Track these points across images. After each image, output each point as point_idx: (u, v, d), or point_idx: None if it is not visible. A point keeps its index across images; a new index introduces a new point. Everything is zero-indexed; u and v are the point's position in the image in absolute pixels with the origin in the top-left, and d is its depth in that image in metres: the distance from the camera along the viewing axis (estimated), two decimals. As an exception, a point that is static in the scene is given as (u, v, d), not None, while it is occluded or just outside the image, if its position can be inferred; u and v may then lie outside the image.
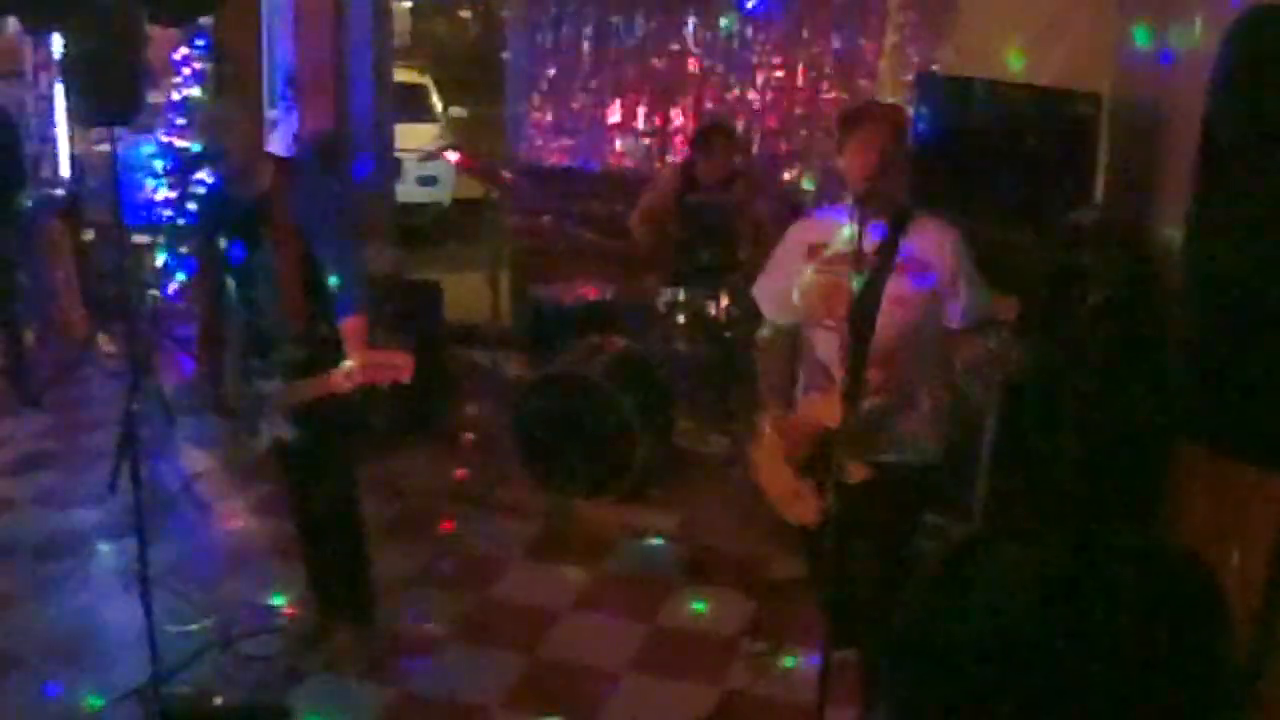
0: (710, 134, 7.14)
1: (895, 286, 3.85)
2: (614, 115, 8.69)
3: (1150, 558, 1.46)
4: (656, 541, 5.90)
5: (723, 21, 8.20)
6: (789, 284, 4.14)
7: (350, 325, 4.41)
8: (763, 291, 4.31)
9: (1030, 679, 1.38)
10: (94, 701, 4.45)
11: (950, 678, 1.51)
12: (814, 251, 4.06)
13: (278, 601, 5.19)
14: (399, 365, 4.28)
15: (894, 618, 2.12)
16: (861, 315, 3.82)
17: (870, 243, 3.83)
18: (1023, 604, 1.45)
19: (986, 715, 1.43)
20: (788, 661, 4.78)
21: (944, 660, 1.54)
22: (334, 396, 4.38)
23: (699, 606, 5.25)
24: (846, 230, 3.79)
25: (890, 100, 7.17)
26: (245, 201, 4.48)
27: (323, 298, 4.47)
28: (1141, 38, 5.49)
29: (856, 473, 3.84)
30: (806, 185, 7.94)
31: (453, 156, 9.15)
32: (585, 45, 8.70)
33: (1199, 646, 1.44)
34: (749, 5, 8.08)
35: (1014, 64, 6.09)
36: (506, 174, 8.29)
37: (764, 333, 4.35)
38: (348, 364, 4.31)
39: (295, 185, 4.50)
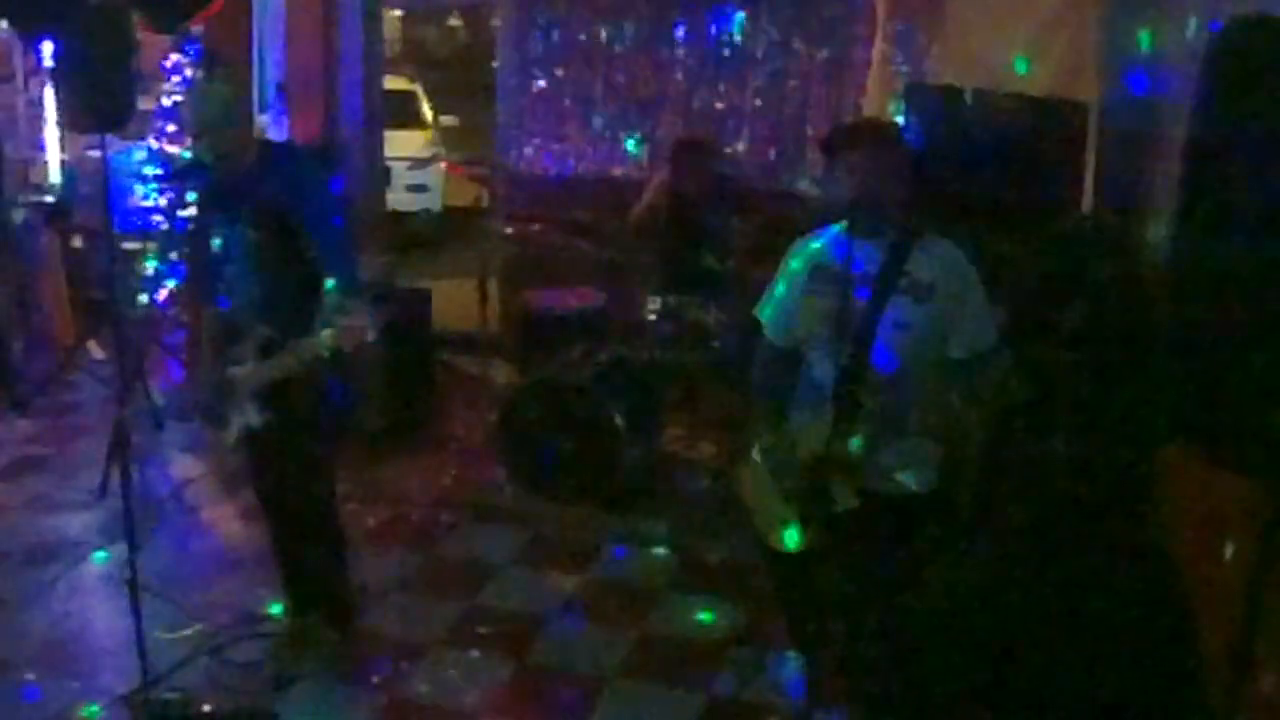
0: (683, 151, 7.16)
1: (896, 309, 3.81)
2: (603, 123, 8.72)
3: (1111, 549, 1.49)
4: (644, 548, 5.90)
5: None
6: (789, 304, 4.12)
7: (333, 297, 4.38)
8: (764, 311, 4.25)
9: (990, 667, 1.40)
10: (91, 711, 4.45)
11: (915, 670, 1.53)
12: (815, 271, 4.03)
13: (272, 609, 5.19)
14: (358, 326, 4.22)
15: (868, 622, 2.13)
16: (858, 338, 3.80)
17: (872, 264, 3.81)
18: (980, 597, 1.46)
19: (954, 705, 1.45)
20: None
21: (910, 653, 1.57)
22: (299, 380, 4.38)
23: (705, 617, 5.24)
24: (846, 250, 3.72)
25: (879, 111, 7.20)
26: (227, 182, 4.49)
27: (303, 278, 4.47)
28: (1145, 41, 5.50)
29: (845, 501, 3.79)
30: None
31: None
32: (575, 53, 8.73)
33: (1159, 632, 1.47)
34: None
35: (1020, 69, 6.08)
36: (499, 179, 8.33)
37: (762, 352, 4.29)
38: (325, 333, 4.26)
39: (278, 165, 4.51)
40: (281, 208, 4.42)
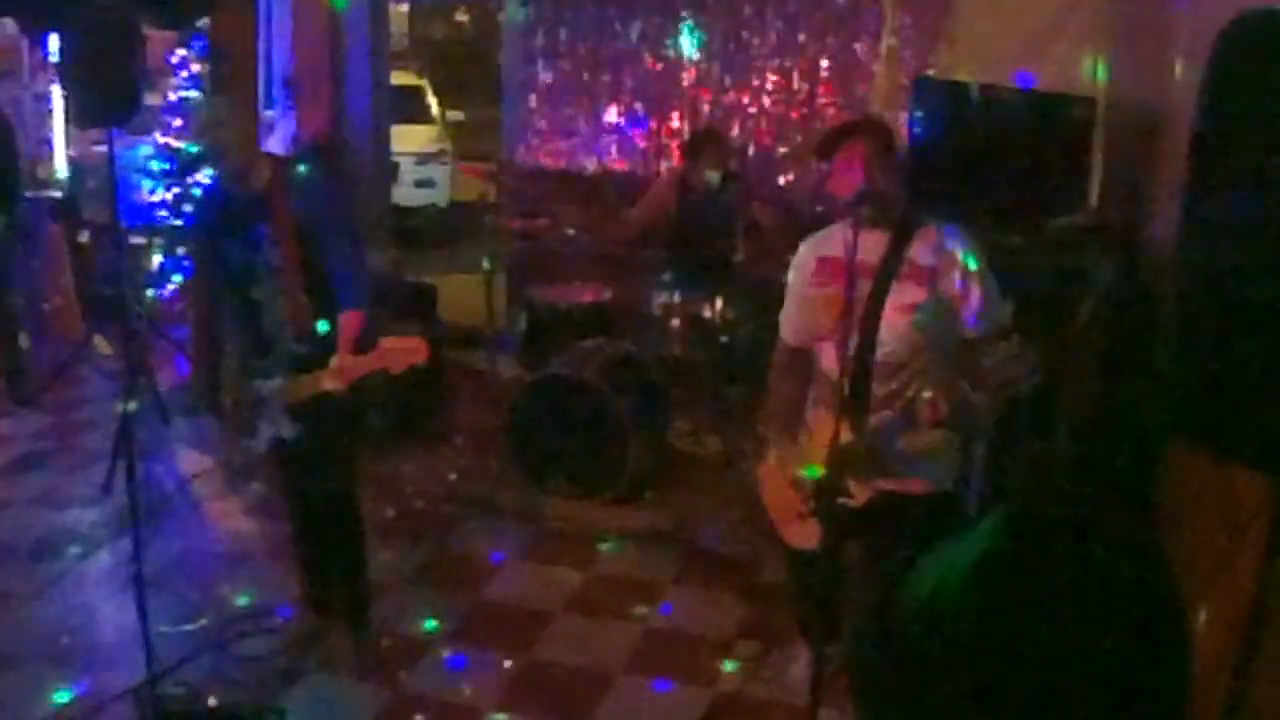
0: (700, 141, 7.17)
1: (900, 295, 3.80)
2: (609, 118, 8.72)
3: (1093, 536, 1.48)
4: (651, 543, 5.90)
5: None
6: (799, 301, 4.12)
7: (346, 320, 4.42)
8: (782, 315, 4.27)
9: (972, 659, 1.40)
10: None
11: (900, 667, 1.54)
12: (820, 265, 4.04)
13: (272, 603, 5.19)
14: (414, 349, 4.29)
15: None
16: (863, 326, 3.80)
17: (875, 253, 3.81)
18: (960, 590, 1.47)
19: (941, 699, 1.45)
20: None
21: (894, 651, 1.57)
22: (327, 395, 4.39)
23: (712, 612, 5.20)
24: (849, 241, 3.71)
25: (887, 105, 7.20)
26: (243, 200, 4.49)
27: (323, 294, 4.48)
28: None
29: (860, 494, 3.78)
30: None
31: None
32: (581, 48, 8.72)
33: (1142, 632, 1.46)
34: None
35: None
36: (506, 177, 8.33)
37: (778, 353, 4.29)
38: (335, 361, 4.33)
39: (294, 182, 4.51)
40: (302, 226, 4.44)
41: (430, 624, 5.11)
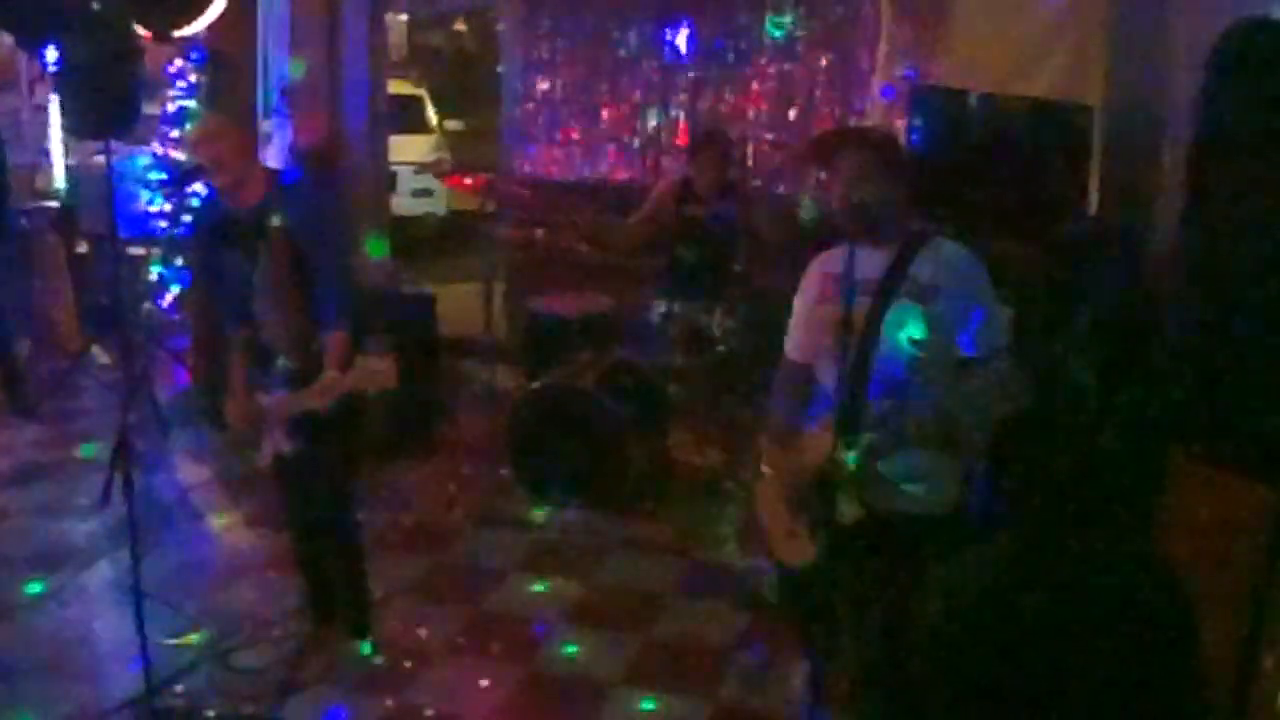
0: (703, 144, 7.15)
1: (898, 313, 3.79)
2: (608, 127, 8.73)
3: (1108, 559, 1.47)
4: (650, 553, 5.89)
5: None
6: (803, 317, 4.09)
7: (335, 339, 4.41)
8: (787, 331, 4.22)
9: (985, 676, 1.39)
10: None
11: (913, 689, 1.53)
12: (824, 281, 4.00)
13: (272, 614, 5.18)
14: (381, 370, 4.28)
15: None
16: (860, 343, 3.77)
17: (876, 269, 3.79)
18: (976, 605, 1.45)
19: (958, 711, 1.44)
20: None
21: (906, 664, 1.56)
22: (319, 411, 4.38)
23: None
24: (850, 257, 3.67)
25: (884, 115, 7.20)
26: (239, 214, 4.48)
27: (316, 309, 4.47)
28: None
29: (851, 512, 3.75)
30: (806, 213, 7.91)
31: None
32: (579, 56, 8.74)
33: (1157, 646, 1.46)
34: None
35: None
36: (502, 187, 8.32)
37: (781, 368, 4.22)
38: (326, 375, 4.32)
39: (288, 197, 4.50)
40: (296, 240, 4.43)
41: (430, 635, 5.10)
